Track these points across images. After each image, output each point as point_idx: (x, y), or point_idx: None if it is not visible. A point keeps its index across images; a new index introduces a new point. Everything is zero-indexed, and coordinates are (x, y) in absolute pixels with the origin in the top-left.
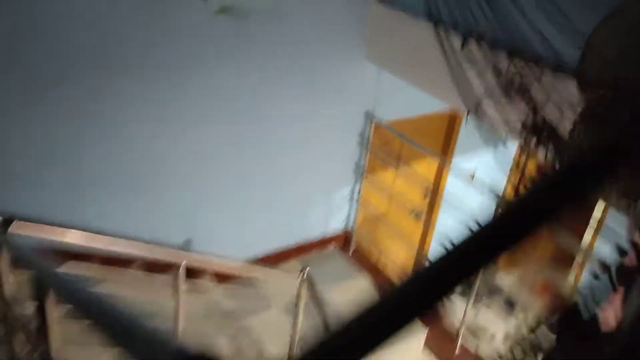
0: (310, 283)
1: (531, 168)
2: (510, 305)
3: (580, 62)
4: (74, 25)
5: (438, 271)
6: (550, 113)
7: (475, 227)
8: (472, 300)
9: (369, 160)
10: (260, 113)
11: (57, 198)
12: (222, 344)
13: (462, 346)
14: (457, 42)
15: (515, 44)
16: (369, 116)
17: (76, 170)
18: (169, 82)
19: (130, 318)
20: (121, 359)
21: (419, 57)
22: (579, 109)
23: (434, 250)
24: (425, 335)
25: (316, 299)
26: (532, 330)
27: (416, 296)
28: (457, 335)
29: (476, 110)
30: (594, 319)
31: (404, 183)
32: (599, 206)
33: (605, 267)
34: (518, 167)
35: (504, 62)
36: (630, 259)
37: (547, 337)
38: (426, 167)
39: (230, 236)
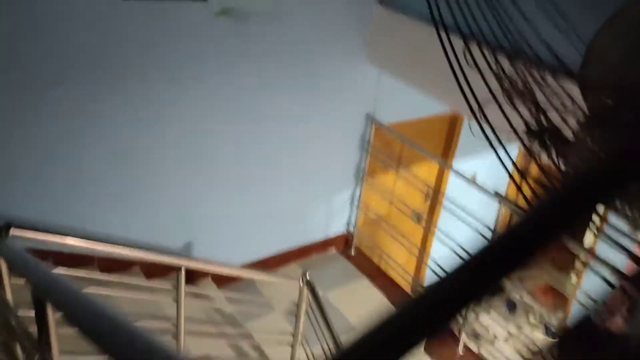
0: (311, 287)
1: (532, 171)
2: (511, 306)
3: (582, 66)
4: (74, 26)
5: (448, 290)
6: (553, 117)
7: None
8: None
9: (370, 163)
10: (261, 115)
11: (57, 199)
12: (223, 348)
13: (464, 348)
14: (459, 45)
15: (517, 48)
16: (369, 118)
17: (76, 170)
18: (169, 83)
19: (129, 328)
20: None
21: (420, 60)
22: (583, 113)
23: (435, 254)
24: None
25: (317, 303)
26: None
27: (426, 315)
28: (459, 338)
29: (479, 113)
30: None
31: (405, 185)
32: (600, 209)
33: (620, 274)
34: (520, 170)
35: (506, 66)
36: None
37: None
38: (427, 170)
39: (231, 239)
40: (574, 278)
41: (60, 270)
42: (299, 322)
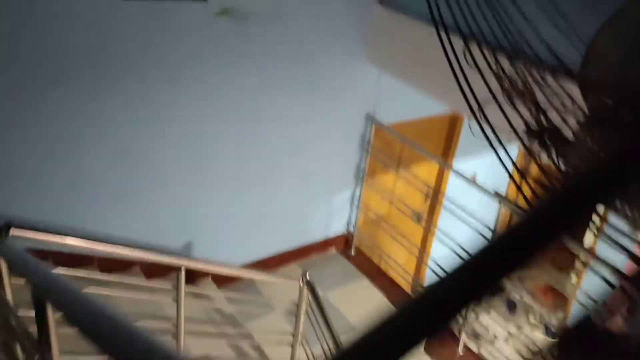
0: (311, 287)
1: (532, 170)
2: (511, 306)
3: (582, 66)
4: (74, 26)
5: (448, 290)
6: (553, 117)
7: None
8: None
9: (370, 163)
10: (260, 115)
11: (57, 199)
12: (223, 348)
13: (464, 348)
14: (459, 45)
15: (517, 48)
16: (369, 118)
17: (76, 170)
18: (169, 83)
19: (129, 328)
20: None
21: (420, 60)
22: (583, 113)
23: (435, 254)
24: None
25: (317, 303)
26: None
27: (426, 315)
28: (459, 338)
29: (479, 113)
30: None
31: (405, 185)
32: (600, 209)
33: (620, 273)
34: (520, 169)
35: (506, 66)
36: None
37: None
38: (427, 170)
39: (231, 238)
40: (574, 278)
41: (60, 270)
42: (299, 322)
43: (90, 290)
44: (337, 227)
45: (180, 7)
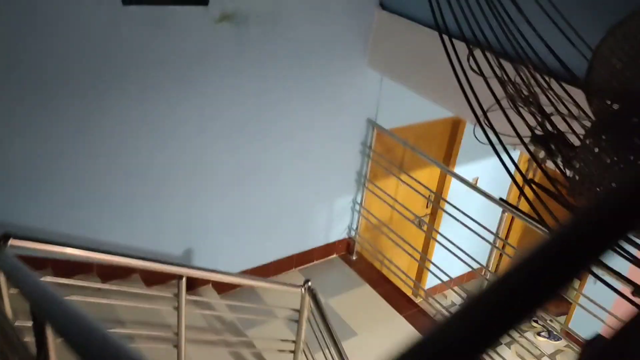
0: (313, 294)
1: (535, 176)
2: None
3: (587, 72)
4: (73, 36)
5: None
6: (559, 123)
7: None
8: None
9: (371, 168)
10: (262, 120)
11: (59, 208)
12: (224, 356)
13: None
14: (462, 50)
15: (522, 54)
16: (371, 123)
17: (78, 179)
18: (169, 90)
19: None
20: None
21: (422, 65)
22: (588, 118)
23: (437, 259)
24: None
25: (319, 310)
26: None
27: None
28: None
29: (482, 119)
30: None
31: (406, 190)
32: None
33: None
34: (524, 175)
35: (510, 72)
36: None
37: None
38: (429, 174)
39: (232, 244)
40: (576, 282)
41: (59, 279)
42: (300, 329)
43: (90, 299)
44: (338, 233)
45: (181, 13)
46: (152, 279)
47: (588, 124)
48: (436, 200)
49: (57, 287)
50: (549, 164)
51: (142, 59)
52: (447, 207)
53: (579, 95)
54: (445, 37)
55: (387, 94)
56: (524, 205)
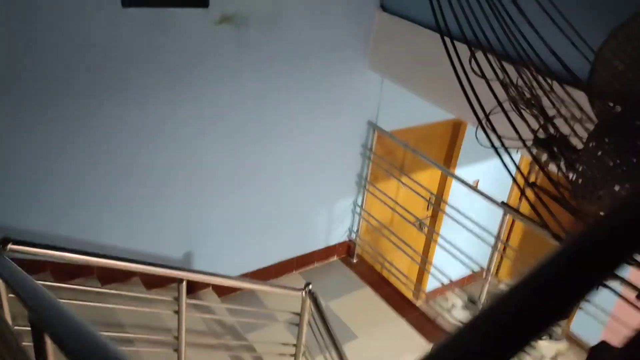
0: (314, 297)
1: (537, 178)
2: None
3: (590, 74)
4: (73, 38)
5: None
6: (561, 126)
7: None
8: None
9: (372, 170)
10: (262, 123)
11: (59, 211)
12: (224, 359)
13: None
14: (464, 52)
15: (524, 56)
16: (371, 125)
17: (78, 182)
18: (169, 92)
19: None
20: None
21: (424, 67)
22: (591, 120)
23: (438, 261)
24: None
25: (320, 313)
26: None
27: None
28: None
29: (484, 122)
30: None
31: (407, 193)
32: None
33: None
34: (526, 178)
35: (512, 74)
36: None
37: None
38: (429, 176)
39: (233, 246)
40: None
41: (59, 283)
42: (301, 332)
43: (90, 302)
44: (339, 235)
45: (181, 15)
46: (153, 281)
47: (591, 126)
48: (437, 203)
49: (57, 290)
50: (552, 167)
51: (142, 60)
52: (447, 210)
53: (581, 97)
54: (447, 39)
55: (387, 96)
56: (524, 208)
